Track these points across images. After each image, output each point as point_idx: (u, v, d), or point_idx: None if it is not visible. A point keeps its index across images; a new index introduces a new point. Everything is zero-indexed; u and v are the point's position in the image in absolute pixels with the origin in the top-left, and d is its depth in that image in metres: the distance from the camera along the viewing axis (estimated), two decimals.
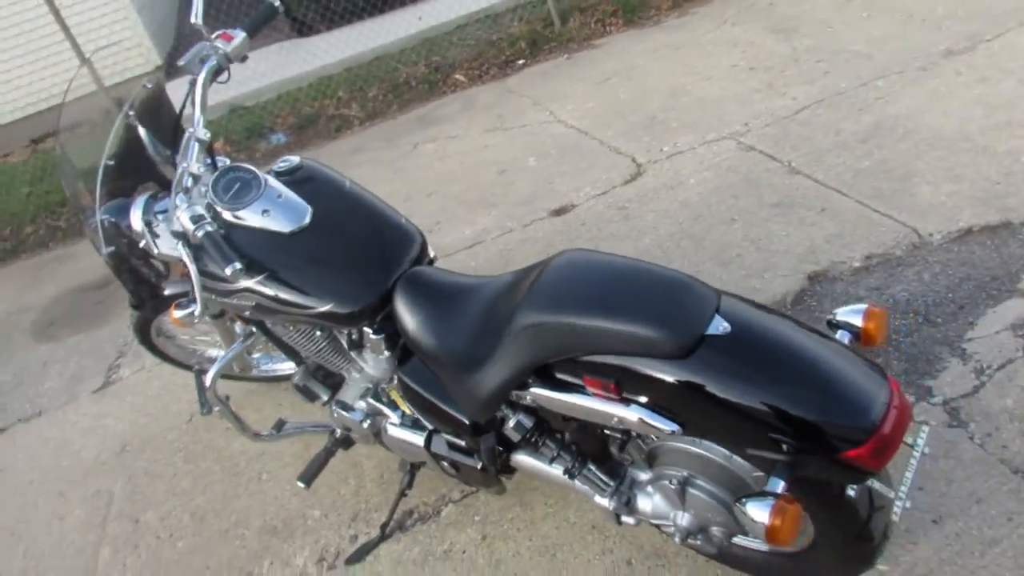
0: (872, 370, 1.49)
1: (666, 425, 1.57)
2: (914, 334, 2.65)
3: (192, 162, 2.05)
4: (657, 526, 2.03)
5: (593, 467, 1.95)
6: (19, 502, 3.19)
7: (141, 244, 2.23)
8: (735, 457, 1.71)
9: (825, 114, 4.06)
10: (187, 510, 2.89)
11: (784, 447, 1.48)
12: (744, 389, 1.47)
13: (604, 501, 1.96)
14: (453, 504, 2.58)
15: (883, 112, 3.91)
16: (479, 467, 2.09)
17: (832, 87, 4.30)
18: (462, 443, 2.12)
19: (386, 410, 2.31)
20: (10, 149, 7.31)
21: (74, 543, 2.91)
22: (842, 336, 1.65)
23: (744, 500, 1.49)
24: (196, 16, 2.19)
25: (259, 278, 2.02)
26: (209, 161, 2.17)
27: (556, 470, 1.98)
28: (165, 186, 2.39)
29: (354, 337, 2.21)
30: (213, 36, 2.22)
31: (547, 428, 1.93)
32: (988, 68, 3.99)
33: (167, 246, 2.19)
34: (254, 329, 2.42)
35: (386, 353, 2.17)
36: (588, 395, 1.68)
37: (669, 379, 1.52)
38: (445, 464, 2.20)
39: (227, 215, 2.04)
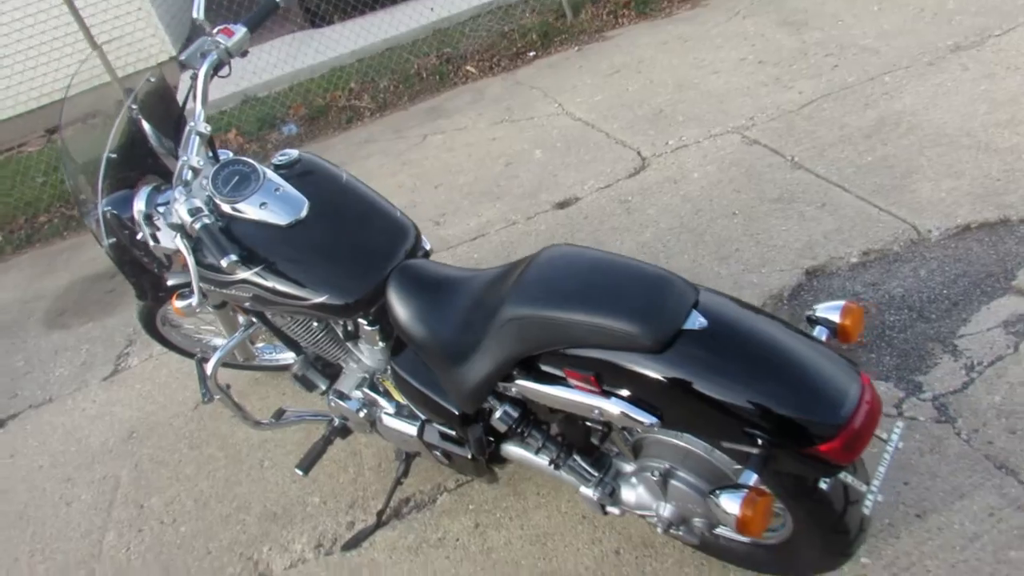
0: (845, 366, 1.52)
1: (644, 418, 1.60)
2: (907, 330, 2.67)
3: (192, 155, 2.09)
4: (642, 516, 2.06)
5: (578, 458, 1.99)
6: (28, 486, 3.27)
7: (139, 236, 2.28)
8: (716, 450, 1.75)
9: (831, 109, 4.06)
10: (191, 495, 2.96)
11: (757, 441, 1.51)
12: (718, 383, 1.50)
13: (589, 491, 2.00)
14: (448, 493, 2.62)
15: (888, 107, 3.91)
16: (469, 457, 2.13)
17: (839, 81, 4.30)
18: (453, 433, 2.16)
19: (381, 400, 2.35)
20: (25, 139, 7.41)
21: (80, 526, 2.98)
22: (820, 332, 1.68)
23: (717, 492, 1.52)
24: (198, 11, 2.23)
25: (256, 270, 2.05)
26: (211, 154, 2.22)
27: (543, 460, 2.02)
28: (169, 179, 2.43)
29: (349, 328, 2.25)
30: (214, 31, 2.26)
31: (533, 419, 1.97)
32: (995, 64, 3.98)
33: (166, 238, 2.24)
34: (255, 319, 2.47)
35: (380, 344, 2.21)
36: (570, 388, 1.72)
37: (647, 373, 1.56)
38: (438, 453, 2.24)
39: (226, 207, 2.08)
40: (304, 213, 2.08)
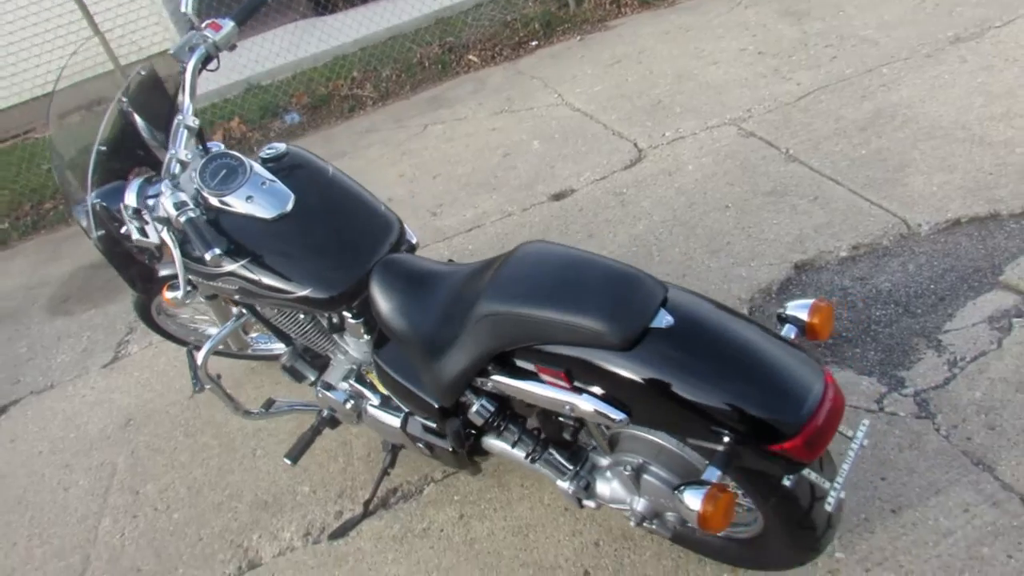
0: (809, 364, 1.54)
1: (613, 414, 1.63)
2: (893, 325, 2.68)
3: (180, 149, 2.12)
4: (617, 509, 2.08)
5: (555, 452, 2.02)
6: (28, 471, 3.32)
7: (123, 230, 2.30)
8: (686, 446, 1.77)
9: (827, 101, 4.06)
10: (184, 483, 3.00)
11: (721, 438, 1.53)
12: (683, 381, 1.52)
13: (565, 484, 2.02)
14: (434, 484, 2.66)
15: (885, 99, 3.90)
16: (450, 449, 2.16)
17: (837, 73, 4.29)
18: (434, 426, 2.19)
19: (367, 392, 2.38)
20: (32, 126, 7.45)
21: (77, 512, 3.03)
22: (789, 330, 1.70)
23: (682, 487, 1.54)
24: (186, 6, 2.25)
25: (242, 263, 2.08)
26: (201, 147, 2.24)
27: (520, 453, 2.05)
28: (161, 170, 2.46)
29: (334, 321, 2.28)
30: (203, 25, 2.28)
31: (511, 413, 2.00)
32: (993, 56, 3.96)
33: (153, 231, 2.27)
34: (244, 311, 2.50)
35: (365, 337, 2.24)
36: (543, 383, 1.74)
37: (614, 369, 1.58)
38: (420, 446, 2.27)
39: (213, 200, 2.10)
40: (290, 207, 2.10)
